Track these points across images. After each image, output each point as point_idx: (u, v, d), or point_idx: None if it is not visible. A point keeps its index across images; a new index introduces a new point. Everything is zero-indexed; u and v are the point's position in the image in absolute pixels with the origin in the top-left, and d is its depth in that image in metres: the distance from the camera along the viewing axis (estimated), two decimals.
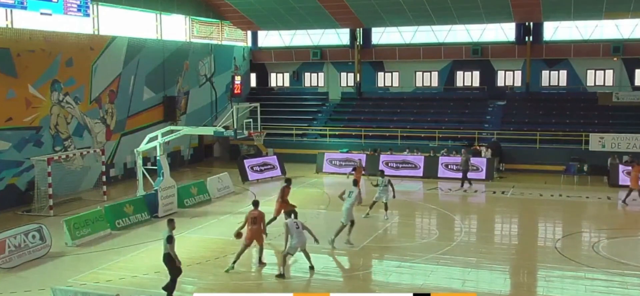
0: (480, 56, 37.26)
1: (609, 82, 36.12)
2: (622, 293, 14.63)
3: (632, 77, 35.65)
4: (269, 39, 42.21)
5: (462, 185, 27.74)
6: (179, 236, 19.76)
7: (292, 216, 16.19)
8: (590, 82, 36.50)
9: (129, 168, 30.03)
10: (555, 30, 36.52)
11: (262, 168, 30.72)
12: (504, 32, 37.37)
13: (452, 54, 38.11)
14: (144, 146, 23.75)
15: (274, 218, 19.68)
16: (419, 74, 39.64)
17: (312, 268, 15.96)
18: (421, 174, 30.47)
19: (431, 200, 25.69)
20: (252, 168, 30.34)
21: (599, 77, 36.46)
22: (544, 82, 37.28)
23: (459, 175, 28.38)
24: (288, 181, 20.36)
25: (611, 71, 36.08)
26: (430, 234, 21.25)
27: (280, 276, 15.63)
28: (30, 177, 24.35)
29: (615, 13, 33.42)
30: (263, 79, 42.97)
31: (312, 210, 23.95)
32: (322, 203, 25.26)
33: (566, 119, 34.39)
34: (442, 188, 28.22)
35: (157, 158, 23.09)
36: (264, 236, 16.98)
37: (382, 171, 23.16)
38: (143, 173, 23.80)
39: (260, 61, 42.35)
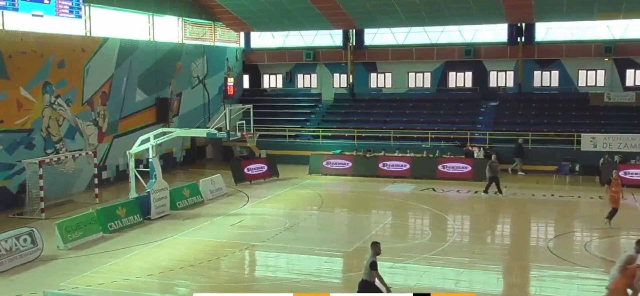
0: (472, 57, 37.33)
1: (601, 82, 36.26)
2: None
3: (623, 78, 35.81)
4: (262, 40, 42.18)
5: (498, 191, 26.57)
6: (171, 238, 19.79)
7: None
8: (582, 82, 36.64)
9: (121, 170, 29.92)
10: (547, 31, 36.65)
11: (255, 170, 30.64)
12: (496, 33, 37.46)
13: (445, 55, 38.18)
14: (136, 148, 23.68)
15: None
16: (411, 75, 39.69)
17: None
18: (410, 174, 30.55)
19: (424, 201, 25.71)
20: (245, 169, 30.28)
21: (591, 78, 36.60)
22: (536, 83, 37.38)
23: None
24: None
25: (603, 71, 36.22)
26: (423, 234, 21.27)
27: None
28: (22, 180, 24.20)
29: (607, 14, 33.55)
30: (256, 80, 42.93)
31: (305, 211, 23.99)
32: (315, 204, 25.25)
33: (558, 120, 34.51)
34: (435, 188, 28.25)
35: (150, 160, 23.02)
36: None
37: None
38: (135, 175, 23.72)
39: (253, 62, 42.32)
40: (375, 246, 12.42)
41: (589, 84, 36.47)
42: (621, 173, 28.19)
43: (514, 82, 37.34)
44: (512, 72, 37.53)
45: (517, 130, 33.54)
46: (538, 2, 32.55)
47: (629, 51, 34.96)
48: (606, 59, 35.56)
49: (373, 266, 12.05)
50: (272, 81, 42.82)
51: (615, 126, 32.67)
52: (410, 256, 17.44)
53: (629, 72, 35.75)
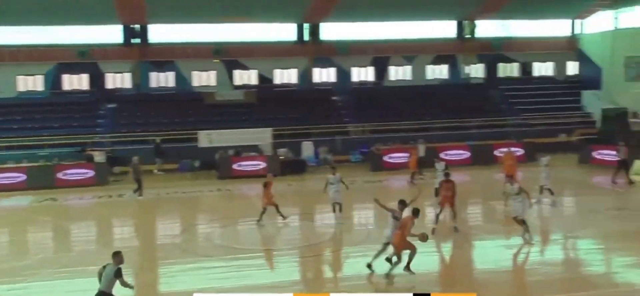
0: (87, 59, 36.36)
1: (213, 82, 39.00)
2: (238, 276, 15.93)
3: (231, 77, 39.15)
4: None
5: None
6: None
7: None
8: (196, 82, 38.84)
9: None
10: (162, 33, 37.78)
11: None
12: (111, 34, 37.09)
13: (57, 56, 36.41)
14: None
15: None
16: (21, 78, 36.72)
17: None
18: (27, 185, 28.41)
19: (45, 212, 24.09)
20: None
21: (204, 78, 39.04)
22: (154, 84, 38.31)
23: None
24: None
25: (214, 71, 39.00)
26: (47, 248, 19.89)
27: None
28: None
29: (216, 17, 36.27)
30: None
31: None
32: None
33: (177, 119, 35.89)
34: (56, 198, 26.71)
35: None
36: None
37: (334, 167, 20.87)
38: None
39: None
40: (117, 256, 12.13)
41: (202, 83, 38.85)
42: (235, 166, 30.84)
43: (132, 84, 37.66)
44: (129, 74, 37.68)
45: (138, 131, 33.84)
46: (149, 3, 33.32)
47: (235, 53, 38.37)
48: (216, 60, 38.38)
49: (117, 274, 11.90)
50: None
51: (227, 122, 35.39)
52: (34, 274, 16.17)
53: (236, 73, 39.26)
